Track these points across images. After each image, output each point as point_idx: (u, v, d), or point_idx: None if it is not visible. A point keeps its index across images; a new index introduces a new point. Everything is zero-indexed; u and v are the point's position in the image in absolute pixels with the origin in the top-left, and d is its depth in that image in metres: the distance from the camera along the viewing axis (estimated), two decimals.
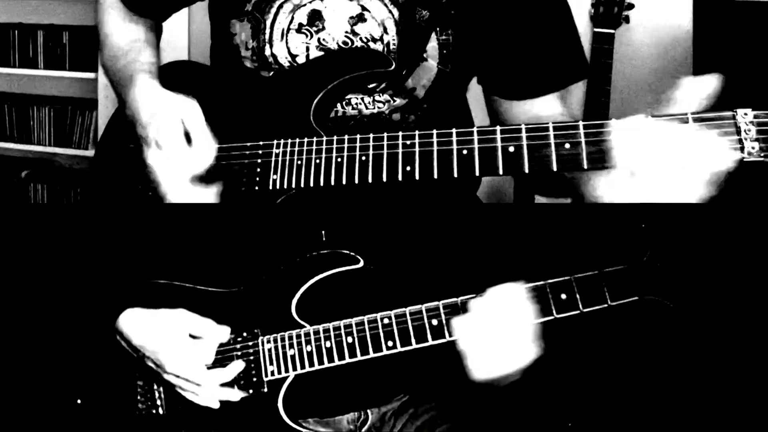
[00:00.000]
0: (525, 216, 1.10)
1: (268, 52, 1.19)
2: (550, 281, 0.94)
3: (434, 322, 0.97)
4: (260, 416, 1.02)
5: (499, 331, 0.93)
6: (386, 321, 0.98)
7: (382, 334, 0.98)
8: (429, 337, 0.97)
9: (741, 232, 0.89)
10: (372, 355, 0.98)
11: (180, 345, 1.01)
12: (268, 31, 1.19)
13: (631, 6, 2.50)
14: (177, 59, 1.35)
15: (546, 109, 1.19)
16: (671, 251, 0.91)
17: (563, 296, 0.93)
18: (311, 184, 1.04)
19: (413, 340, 0.97)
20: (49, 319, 1.04)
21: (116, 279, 1.06)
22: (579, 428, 1.04)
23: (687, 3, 2.57)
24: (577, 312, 0.93)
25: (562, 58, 1.20)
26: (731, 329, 0.95)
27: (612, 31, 2.50)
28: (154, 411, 1.03)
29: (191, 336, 1.02)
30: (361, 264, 1.02)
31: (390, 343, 0.98)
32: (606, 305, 0.92)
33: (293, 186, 1.06)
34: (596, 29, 2.52)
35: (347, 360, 0.99)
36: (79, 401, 1.03)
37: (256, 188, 1.09)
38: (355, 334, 0.99)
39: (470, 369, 0.94)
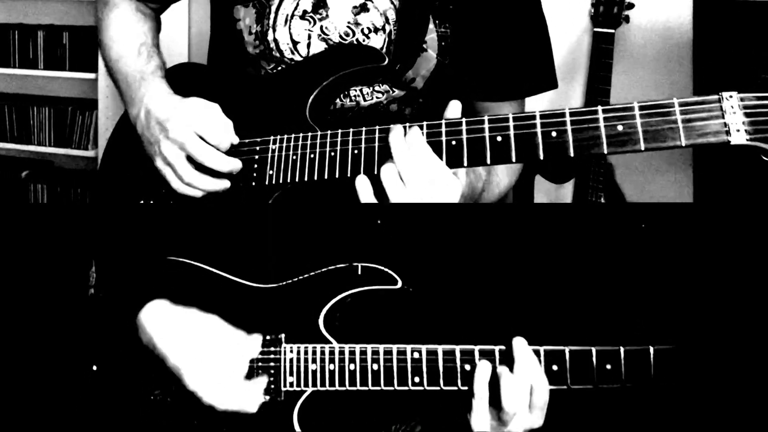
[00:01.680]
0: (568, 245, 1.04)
1: (270, 36, 1.20)
2: (597, 348, 0.90)
3: (467, 367, 0.93)
4: (274, 424, 0.98)
5: (526, 395, 0.91)
6: (416, 355, 0.94)
7: (409, 369, 0.94)
8: (459, 381, 0.93)
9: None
10: (396, 387, 0.95)
11: (209, 363, 0.95)
12: (272, 15, 1.20)
13: (631, 6, 2.50)
14: (177, 60, 1.35)
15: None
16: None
17: (608, 366, 0.90)
18: (305, 179, 1.05)
19: (441, 381, 0.93)
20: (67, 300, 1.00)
21: (139, 257, 1.00)
22: (579, 428, 1.04)
23: (687, 3, 2.57)
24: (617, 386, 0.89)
25: (535, 69, 1.22)
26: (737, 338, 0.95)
27: (612, 31, 2.50)
28: (169, 399, 1.01)
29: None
30: (399, 285, 0.98)
31: (416, 379, 0.94)
32: (648, 380, 0.89)
33: (288, 181, 1.07)
34: (596, 29, 2.52)
35: (369, 387, 0.95)
36: (95, 367, 0.99)
37: (253, 183, 1.11)
38: (382, 363, 0.95)
39: (477, 420, 0.91)
